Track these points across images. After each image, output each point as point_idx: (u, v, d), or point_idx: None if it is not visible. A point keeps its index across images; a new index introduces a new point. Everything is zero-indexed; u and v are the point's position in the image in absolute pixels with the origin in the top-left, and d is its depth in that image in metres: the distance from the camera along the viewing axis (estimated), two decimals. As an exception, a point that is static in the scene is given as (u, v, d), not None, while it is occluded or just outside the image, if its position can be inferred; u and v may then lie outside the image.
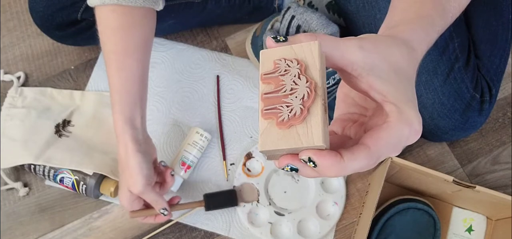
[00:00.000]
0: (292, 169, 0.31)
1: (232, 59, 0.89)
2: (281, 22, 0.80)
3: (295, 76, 0.31)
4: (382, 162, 0.74)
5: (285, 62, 0.32)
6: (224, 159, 0.80)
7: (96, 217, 0.77)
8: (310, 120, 0.30)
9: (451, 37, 0.72)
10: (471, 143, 0.83)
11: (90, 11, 0.77)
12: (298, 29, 0.78)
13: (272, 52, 0.33)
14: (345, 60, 0.32)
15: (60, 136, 0.79)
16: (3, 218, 0.77)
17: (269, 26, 0.84)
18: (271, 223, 0.75)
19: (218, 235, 0.76)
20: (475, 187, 0.65)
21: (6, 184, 0.77)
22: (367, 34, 0.35)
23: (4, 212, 0.77)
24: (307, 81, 0.31)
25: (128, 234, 0.76)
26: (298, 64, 0.31)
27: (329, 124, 0.38)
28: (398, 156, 0.72)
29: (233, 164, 0.80)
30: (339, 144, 0.34)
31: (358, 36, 0.33)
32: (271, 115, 0.31)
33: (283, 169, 0.32)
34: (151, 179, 0.65)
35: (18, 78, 0.86)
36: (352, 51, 0.32)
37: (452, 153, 0.82)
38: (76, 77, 0.88)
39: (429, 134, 0.78)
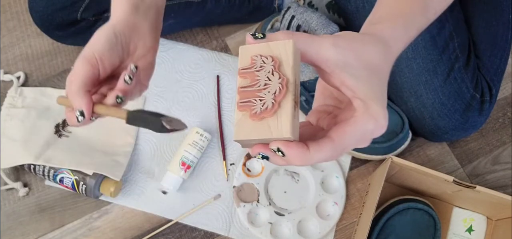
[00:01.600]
0: (263, 157, 0.34)
1: (232, 59, 0.89)
2: (281, 22, 0.80)
3: (269, 72, 0.33)
4: (382, 162, 0.74)
5: (261, 58, 0.34)
6: (224, 159, 0.80)
7: (96, 217, 0.77)
8: (280, 113, 0.32)
9: (451, 37, 0.72)
10: (471, 143, 0.83)
11: (90, 10, 0.77)
12: (298, 29, 0.78)
13: (251, 48, 0.35)
14: (319, 57, 0.34)
15: (60, 136, 0.79)
16: (3, 218, 0.77)
17: (269, 26, 0.84)
18: (271, 223, 0.75)
19: (218, 235, 0.76)
20: (475, 187, 0.65)
21: (6, 184, 0.77)
22: (345, 32, 0.36)
23: (4, 212, 0.77)
24: (279, 78, 0.33)
25: (128, 234, 0.76)
26: (272, 61, 0.34)
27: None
28: (398, 156, 0.72)
29: (233, 164, 0.80)
30: (312, 134, 0.37)
31: (335, 34, 0.35)
32: (246, 108, 0.33)
33: (255, 156, 0.34)
34: (106, 61, 0.47)
35: (18, 78, 0.86)
36: (326, 48, 0.34)
37: (452, 153, 0.82)
38: (76, 77, 0.87)
39: (429, 134, 0.78)
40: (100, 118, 0.48)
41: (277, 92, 0.33)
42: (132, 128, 0.81)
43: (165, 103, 0.85)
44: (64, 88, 0.85)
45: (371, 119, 0.33)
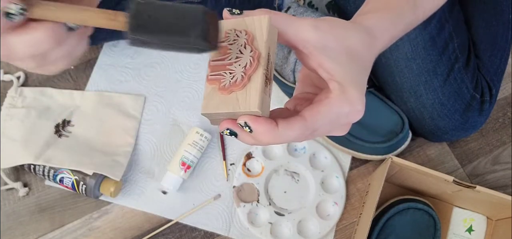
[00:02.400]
0: (231, 133, 0.33)
1: (232, 59, 0.89)
2: (281, 22, 0.80)
3: (241, 46, 0.33)
4: (382, 162, 0.74)
5: (235, 32, 0.33)
6: (224, 159, 0.80)
7: (96, 217, 0.77)
8: (250, 87, 0.32)
9: (451, 37, 0.72)
10: (471, 143, 0.83)
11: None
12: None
13: (226, 23, 0.34)
14: (298, 38, 0.34)
15: (60, 136, 0.79)
16: (3, 218, 0.77)
17: (269, 26, 0.84)
18: (271, 223, 0.75)
19: (218, 235, 0.76)
20: (475, 187, 0.65)
21: (6, 184, 0.77)
22: (328, 17, 0.36)
23: (4, 212, 0.77)
24: (251, 51, 0.32)
25: (128, 234, 0.76)
26: (246, 34, 0.33)
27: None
28: (398, 156, 0.72)
29: (233, 164, 0.80)
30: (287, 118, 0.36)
31: (317, 18, 0.35)
32: (215, 81, 0.33)
33: (222, 132, 0.33)
34: None
35: (18, 78, 0.86)
36: (306, 30, 0.33)
37: (452, 153, 0.82)
38: (76, 77, 0.88)
39: (429, 134, 0.78)
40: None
41: (247, 66, 0.32)
42: (133, 128, 0.81)
43: (165, 103, 0.85)
44: (64, 88, 0.86)
45: (346, 102, 0.33)
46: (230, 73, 0.32)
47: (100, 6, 0.32)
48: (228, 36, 0.34)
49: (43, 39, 0.29)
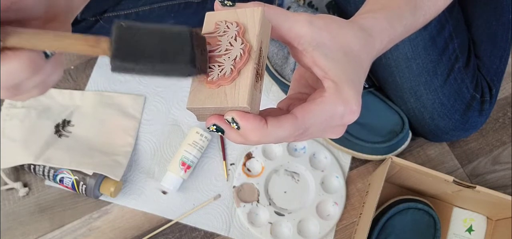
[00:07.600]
0: (218, 130, 0.31)
1: (232, 59, 0.89)
2: (281, 22, 0.80)
3: (232, 37, 0.31)
4: (382, 162, 0.74)
5: (226, 24, 0.32)
6: (224, 159, 0.80)
7: (96, 217, 0.77)
8: (239, 81, 0.30)
9: (451, 37, 0.72)
10: (471, 143, 0.83)
11: (90, 11, 0.77)
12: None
13: (217, 14, 0.33)
14: (292, 33, 0.32)
15: (60, 136, 0.79)
16: (3, 218, 0.77)
17: (269, 26, 0.84)
18: (271, 223, 0.75)
19: (218, 235, 0.76)
20: (475, 187, 0.65)
21: (6, 184, 0.77)
22: (324, 14, 0.35)
23: (4, 212, 0.77)
24: (242, 43, 0.30)
25: (128, 234, 0.76)
26: (237, 26, 0.31)
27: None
28: (398, 156, 0.72)
29: (233, 164, 0.80)
30: None
31: (312, 14, 0.34)
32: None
33: (209, 128, 0.32)
34: None
35: (18, 78, 0.86)
36: (301, 25, 0.32)
37: (452, 153, 0.82)
38: (76, 77, 0.88)
39: (429, 134, 0.78)
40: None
41: (237, 59, 0.30)
42: (133, 128, 0.81)
43: (165, 103, 0.85)
44: (64, 88, 0.86)
45: (340, 101, 0.31)
46: (219, 66, 0.31)
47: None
48: (218, 28, 0.32)
49: (19, 69, 0.27)
